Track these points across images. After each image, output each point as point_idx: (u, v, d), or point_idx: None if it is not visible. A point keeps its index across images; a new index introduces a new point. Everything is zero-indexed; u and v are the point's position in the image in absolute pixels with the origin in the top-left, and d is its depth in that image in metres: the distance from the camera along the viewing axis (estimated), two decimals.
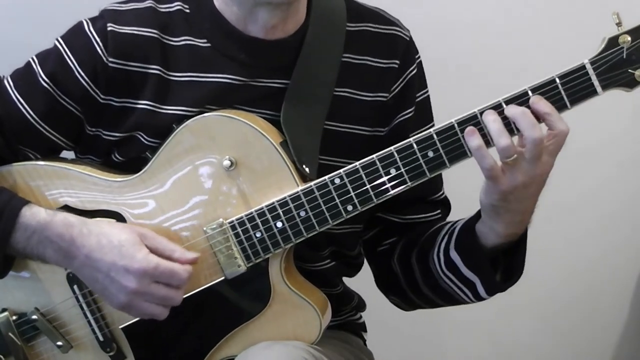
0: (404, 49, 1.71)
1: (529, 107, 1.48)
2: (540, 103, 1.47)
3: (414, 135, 1.53)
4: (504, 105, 1.49)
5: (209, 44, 1.64)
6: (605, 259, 2.62)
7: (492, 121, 1.47)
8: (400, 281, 1.74)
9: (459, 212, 1.73)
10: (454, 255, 1.60)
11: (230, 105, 1.62)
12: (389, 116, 1.70)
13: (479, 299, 1.64)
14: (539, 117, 1.47)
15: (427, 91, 1.76)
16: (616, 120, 2.42)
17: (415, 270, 1.69)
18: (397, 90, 1.70)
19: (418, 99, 1.73)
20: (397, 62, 1.70)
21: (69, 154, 1.73)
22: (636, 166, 2.55)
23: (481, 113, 1.50)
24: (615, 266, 2.63)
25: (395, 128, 1.70)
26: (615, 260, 2.63)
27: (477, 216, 1.58)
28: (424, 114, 1.74)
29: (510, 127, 1.48)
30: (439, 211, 1.77)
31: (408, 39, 1.73)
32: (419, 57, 1.75)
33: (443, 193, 1.79)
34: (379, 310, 1.99)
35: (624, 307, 2.69)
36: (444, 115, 1.57)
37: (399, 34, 1.72)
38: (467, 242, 1.58)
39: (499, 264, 1.61)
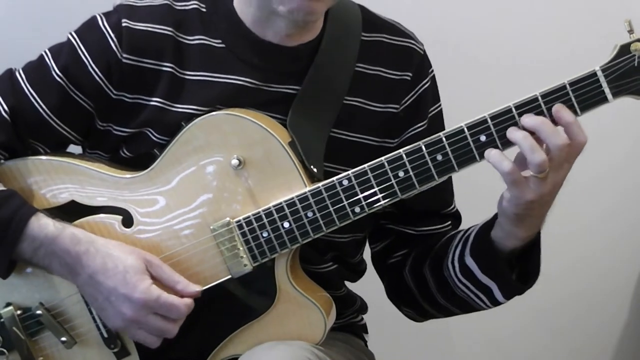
0: (418, 62, 1.71)
1: (540, 113, 1.47)
2: (562, 112, 1.46)
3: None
4: (514, 111, 1.48)
5: (223, 45, 1.64)
6: (605, 258, 2.62)
7: (522, 138, 1.46)
8: (414, 292, 1.74)
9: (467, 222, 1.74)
10: (469, 261, 1.60)
11: (241, 107, 1.61)
12: (399, 128, 1.70)
13: (496, 303, 1.64)
14: (557, 125, 1.46)
15: (440, 105, 1.76)
16: (615, 116, 2.42)
17: (428, 280, 1.69)
18: (408, 103, 1.70)
19: (431, 114, 1.73)
20: (410, 74, 1.70)
21: (76, 150, 1.73)
22: (635, 163, 2.55)
23: (491, 117, 1.49)
24: (616, 265, 2.64)
25: (406, 141, 1.69)
26: (616, 259, 2.63)
27: (491, 222, 1.58)
28: (437, 128, 1.71)
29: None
30: (449, 222, 1.77)
31: (422, 52, 1.73)
32: (433, 71, 1.74)
33: (454, 207, 1.79)
34: (380, 313, 1.99)
35: (624, 307, 2.70)
36: (453, 119, 1.57)
37: (414, 47, 1.72)
38: (484, 247, 1.58)
39: (513, 267, 1.61)
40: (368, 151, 1.67)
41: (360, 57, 1.67)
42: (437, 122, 1.75)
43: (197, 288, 1.57)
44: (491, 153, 1.48)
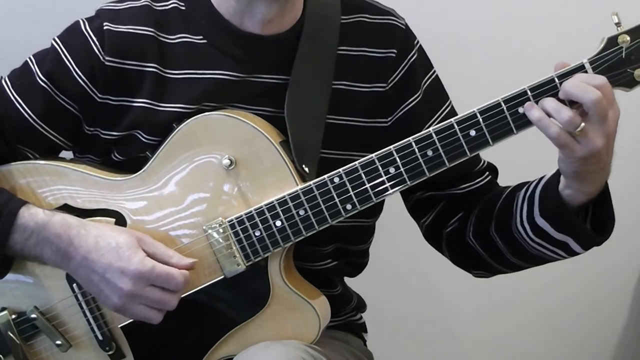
0: (400, 37, 1.71)
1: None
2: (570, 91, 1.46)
3: (433, 125, 1.53)
4: (503, 105, 1.49)
5: (205, 41, 1.65)
6: (606, 258, 2.60)
7: (547, 101, 1.46)
8: (482, 256, 1.70)
9: None
10: (541, 222, 1.57)
11: (228, 102, 1.63)
12: (391, 106, 1.70)
13: (573, 254, 1.60)
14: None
15: (434, 72, 1.75)
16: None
17: (498, 243, 1.66)
18: (397, 79, 1.70)
19: (425, 84, 1.72)
20: (395, 51, 1.70)
21: (68, 154, 1.73)
22: (636, 164, 2.55)
23: (480, 112, 1.50)
24: (616, 265, 2.63)
25: (403, 117, 1.70)
26: (616, 259, 2.62)
27: (553, 179, 1.56)
28: (435, 96, 1.73)
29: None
30: (487, 174, 1.75)
31: (404, 27, 1.73)
32: (418, 42, 1.74)
33: (485, 161, 1.77)
34: (379, 311, 1.99)
35: (624, 307, 2.69)
36: None
37: (395, 23, 1.72)
38: (553, 206, 1.55)
39: (585, 218, 1.58)
40: (360, 133, 1.68)
41: (342, 40, 1.68)
42: (434, 90, 1.74)
43: (191, 260, 1.57)
44: (535, 116, 1.47)
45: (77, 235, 1.56)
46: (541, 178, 1.60)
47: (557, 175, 1.55)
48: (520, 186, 1.65)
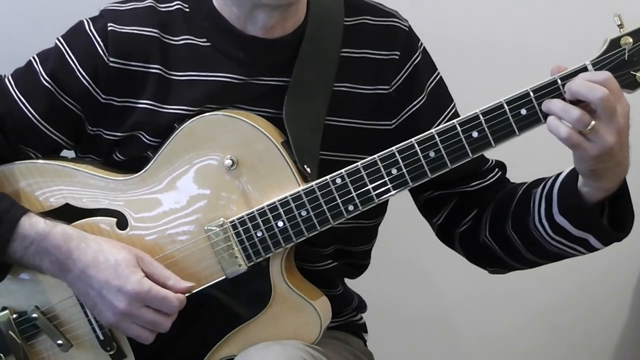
0: (403, 39, 1.71)
1: (532, 109, 1.48)
2: (576, 89, 1.46)
3: (436, 127, 1.53)
4: (506, 107, 1.49)
5: (208, 43, 1.65)
6: (605, 257, 2.60)
7: (555, 102, 1.46)
8: (499, 254, 1.70)
9: None
10: (560, 219, 1.56)
11: (231, 104, 1.62)
12: (395, 109, 1.70)
13: (593, 250, 1.59)
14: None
15: (438, 74, 1.74)
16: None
17: (515, 241, 1.65)
18: (400, 82, 1.70)
19: (430, 86, 1.72)
20: (398, 53, 1.70)
21: (69, 154, 1.73)
22: (636, 162, 2.55)
23: (482, 113, 1.50)
24: (616, 265, 2.63)
25: (408, 120, 1.69)
26: (616, 259, 2.62)
27: (571, 177, 1.55)
28: (439, 98, 1.73)
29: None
30: (497, 170, 1.75)
31: (407, 29, 1.72)
32: (422, 44, 1.74)
33: (492, 160, 1.76)
34: (379, 311, 1.99)
35: (624, 307, 2.69)
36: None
37: (398, 25, 1.72)
38: (572, 204, 1.54)
39: (602, 214, 1.57)
40: (362, 135, 1.68)
41: (344, 42, 1.68)
42: (438, 93, 1.73)
43: (188, 284, 1.57)
44: (548, 120, 1.47)
45: (77, 248, 1.56)
46: (558, 175, 1.59)
47: (574, 172, 1.54)
48: (536, 183, 1.64)
